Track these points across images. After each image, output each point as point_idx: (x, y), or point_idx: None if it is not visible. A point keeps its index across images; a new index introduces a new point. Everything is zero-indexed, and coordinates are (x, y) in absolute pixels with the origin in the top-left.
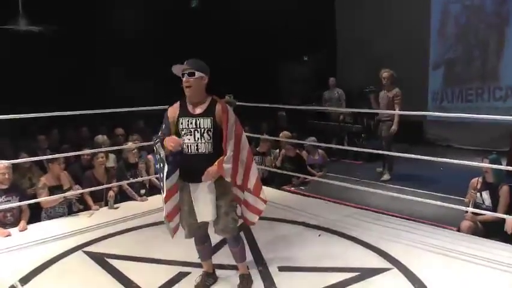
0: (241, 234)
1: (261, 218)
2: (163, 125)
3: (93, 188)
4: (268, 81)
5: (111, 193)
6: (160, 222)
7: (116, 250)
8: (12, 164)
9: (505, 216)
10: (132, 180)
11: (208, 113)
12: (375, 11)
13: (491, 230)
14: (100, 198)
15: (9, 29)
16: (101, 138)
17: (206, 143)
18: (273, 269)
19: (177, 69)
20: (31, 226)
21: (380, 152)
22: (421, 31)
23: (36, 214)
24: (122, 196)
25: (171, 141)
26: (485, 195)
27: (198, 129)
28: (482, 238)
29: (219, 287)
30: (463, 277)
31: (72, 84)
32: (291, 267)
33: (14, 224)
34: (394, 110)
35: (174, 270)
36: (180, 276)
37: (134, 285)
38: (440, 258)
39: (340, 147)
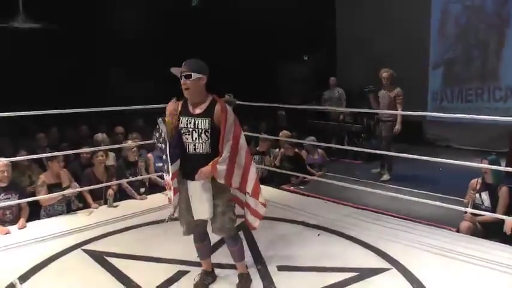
0: (241, 233)
1: None
2: None
3: (92, 187)
4: (268, 81)
5: (110, 191)
6: (160, 221)
7: (115, 248)
8: (12, 162)
9: (504, 217)
10: (131, 178)
11: (207, 113)
12: (376, 10)
13: (491, 231)
14: (99, 197)
15: (9, 27)
16: (100, 136)
17: (204, 143)
18: (272, 268)
19: (175, 71)
20: (30, 224)
21: (380, 152)
22: (421, 31)
23: (35, 212)
24: (122, 194)
25: (169, 106)
26: (485, 196)
27: (196, 130)
28: (481, 239)
29: (218, 286)
30: (462, 277)
31: (72, 83)
32: (290, 266)
33: (13, 221)
34: (396, 110)
35: (173, 268)
36: (179, 274)
37: (133, 284)
38: (439, 258)
39: (340, 146)
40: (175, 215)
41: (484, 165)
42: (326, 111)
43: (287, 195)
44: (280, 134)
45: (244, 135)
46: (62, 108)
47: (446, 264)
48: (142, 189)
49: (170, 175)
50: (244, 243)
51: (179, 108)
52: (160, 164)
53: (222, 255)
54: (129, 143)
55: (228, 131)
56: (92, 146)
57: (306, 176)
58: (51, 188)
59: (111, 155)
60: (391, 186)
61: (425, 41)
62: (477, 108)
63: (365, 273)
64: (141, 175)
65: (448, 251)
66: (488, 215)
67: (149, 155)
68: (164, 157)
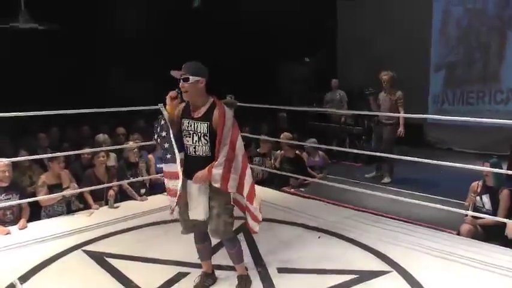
0: (241, 235)
1: None
2: None
3: (93, 187)
4: (269, 82)
5: (111, 192)
6: (161, 222)
7: (116, 249)
8: (13, 162)
9: (505, 220)
10: (132, 179)
11: (206, 117)
12: (377, 12)
13: (491, 234)
14: (100, 197)
15: (10, 28)
16: (101, 137)
17: (203, 146)
18: (272, 271)
19: (175, 74)
20: (31, 224)
21: (380, 154)
22: (422, 33)
23: (36, 212)
24: (122, 195)
25: (169, 93)
26: (486, 198)
27: (196, 133)
28: (481, 242)
29: None
30: (462, 280)
31: (73, 83)
32: (290, 268)
33: (14, 222)
34: (398, 113)
35: (174, 270)
36: (179, 276)
37: (133, 285)
38: (439, 261)
39: (340, 149)
40: (175, 213)
41: (485, 168)
42: (327, 114)
43: (287, 197)
44: (282, 135)
45: (245, 137)
46: (63, 108)
47: (446, 267)
48: (143, 190)
49: (178, 162)
50: (245, 245)
51: (180, 106)
52: (161, 165)
53: (222, 257)
54: (130, 144)
55: (226, 136)
56: (93, 146)
57: (306, 178)
58: (52, 188)
59: (112, 155)
60: (391, 188)
61: (427, 43)
62: (478, 111)
63: (365, 275)
64: (142, 176)
65: (448, 253)
66: (489, 218)
67: (150, 156)
68: (167, 145)
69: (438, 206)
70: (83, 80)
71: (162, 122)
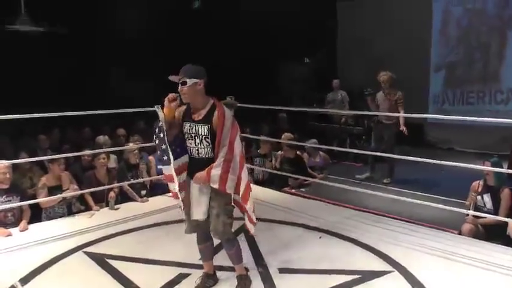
0: (242, 235)
1: (261, 220)
2: None
3: (93, 189)
4: (269, 82)
5: (111, 194)
6: (161, 223)
7: (117, 251)
8: (13, 164)
9: (506, 219)
10: (133, 181)
11: (206, 120)
12: (377, 12)
13: (493, 233)
14: (101, 199)
15: (11, 28)
16: (102, 138)
17: (205, 148)
18: (273, 271)
19: (173, 78)
20: (32, 226)
21: (382, 154)
22: (422, 33)
23: (37, 214)
24: (123, 197)
25: (168, 96)
26: (487, 198)
27: (198, 135)
28: (482, 241)
29: None
30: (464, 280)
31: (73, 84)
32: (291, 269)
33: (15, 223)
34: (398, 113)
35: (174, 271)
36: (180, 277)
37: (134, 286)
38: (440, 261)
39: (340, 149)
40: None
41: (486, 168)
42: (328, 114)
43: (288, 198)
44: (283, 136)
45: (246, 137)
46: (63, 109)
47: (448, 267)
48: (143, 192)
49: (172, 164)
50: (245, 245)
51: (181, 108)
52: (165, 166)
53: (224, 258)
54: (131, 145)
55: (225, 137)
56: (94, 148)
57: (306, 178)
58: (52, 190)
59: (113, 157)
60: (392, 188)
61: (427, 43)
62: (478, 110)
63: (366, 275)
64: (143, 177)
65: (449, 253)
66: (490, 217)
67: (151, 157)
68: (164, 147)
69: (439, 205)
70: (83, 81)
71: (160, 123)
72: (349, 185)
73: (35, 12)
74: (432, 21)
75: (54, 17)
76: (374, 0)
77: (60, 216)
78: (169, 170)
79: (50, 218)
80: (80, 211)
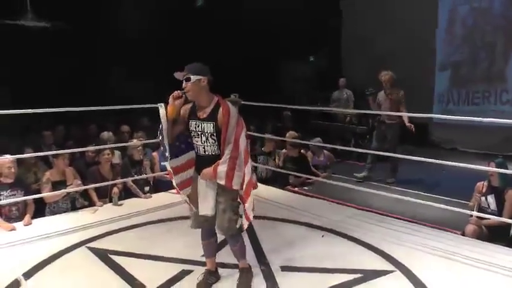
0: (244, 233)
1: (264, 218)
2: None
3: (97, 184)
4: (273, 81)
5: (115, 190)
6: (165, 219)
7: (120, 247)
8: (18, 159)
9: (510, 220)
10: (136, 177)
11: (211, 117)
12: (382, 11)
13: (497, 234)
14: (104, 195)
15: (16, 24)
16: (106, 134)
17: (212, 146)
18: (275, 269)
19: (178, 75)
20: (36, 221)
21: (386, 154)
22: (427, 32)
23: (40, 209)
24: (126, 193)
25: (173, 93)
26: (491, 199)
27: (204, 133)
28: (485, 242)
29: (221, 286)
30: (466, 281)
31: (77, 82)
32: (293, 267)
33: (19, 218)
34: (401, 112)
35: (177, 267)
36: (183, 274)
37: (137, 282)
38: (443, 261)
39: (344, 148)
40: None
41: (491, 169)
42: (333, 113)
43: (291, 196)
44: (287, 134)
45: (250, 135)
46: (67, 106)
47: (450, 267)
48: (147, 188)
49: (168, 161)
50: (248, 243)
51: (187, 107)
52: (165, 163)
53: (226, 255)
54: (135, 141)
55: (230, 134)
56: (98, 144)
57: (309, 176)
58: (56, 185)
59: (117, 153)
60: (396, 188)
61: (432, 43)
62: (484, 111)
63: (369, 275)
64: (146, 174)
65: (452, 254)
66: (494, 218)
67: (154, 153)
68: (165, 143)
69: (443, 206)
70: (88, 79)
71: (162, 120)
72: (352, 184)
73: (39, 9)
74: (438, 20)
75: (56, 15)
76: None
77: (64, 211)
78: (169, 166)
79: (53, 213)
80: (83, 206)
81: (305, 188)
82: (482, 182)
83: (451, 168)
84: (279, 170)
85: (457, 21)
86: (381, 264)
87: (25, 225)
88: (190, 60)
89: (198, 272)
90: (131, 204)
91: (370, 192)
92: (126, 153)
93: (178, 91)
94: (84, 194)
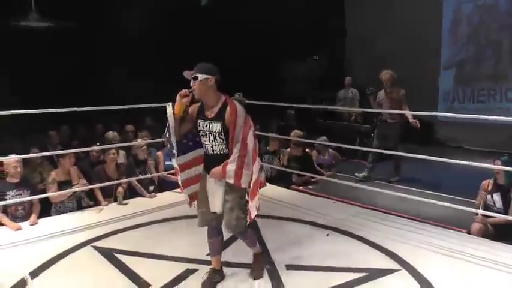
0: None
1: (268, 217)
2: None
3: (102, 184)
4: (277, 80)
5: (120, 189)
6: (169, 219)
7: (125, 246)
8: (24, 159)
9: None
10: (141, 176)
11: (219, 117)
12: (386, 10)
13: (502, 233)
14: (109, 194)
15: (20, 24)
16: (111, 134)
17: (220, 145)
18: (280, 267)
19: (187, 74)
20: (41, 220)
21: (390, 152)
22: (432, 31)
23: (46, 208)
24: (131, 192)
25: (180, 92)
26: (497, 197)
27: (212, 133)
28: (491, 240)
29: (226, 285)
30: (471, 279)
31: (80, 82)
32: (298, 265)
33: (25, 217)
34: (402, 111)
35: (182, 266)
36: (188, 273)
37: (142, 281)
38: (448, 259)
39: (348, 146)
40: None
41: (496, 167)
42: (337, 111)
43: (296, 195)
44: (292, 133)
45: (256, 134)
46: (70, 106)
47: (455, 266)
48: (151, 187)
49: (176, 158)
50: None
51: (195, 106)
52: (170, 162)
53: (231, 254)
54: (139, 141)
55: (238, 133)
56: (102, 144)
57: (313, 175)
58: (61, 185)
59: (122, 153)
60: (400, 186)
61: (437, 41)
62: (489, 108)
63: (374, 273)
64: (151, 173)
65: (457, 252)
66: (500, 216)
67: (159, 153)
68: (172, 141)
69: (447, 204)
70: (90, 79)
71: (169, 119)
72: (357, 182)
73: (43, 9)
74: (442, 18)
75: (58, 15)
76: None
77: (70, 211)
78: (176, 163)
79: (59, 213)
80: (89, 206)
81: (309, 186)
82: (488, 180)
83: (456, 166)
84: (283, 169)
85: (462, 19)
86: (386, 262)
87: (31, 224)
88: (190, 60)
89: (203, 271)
90: (136, 204)
91: (374, 191)
92: (130, 152)
93: (186, 89)
94: (90, 193)
